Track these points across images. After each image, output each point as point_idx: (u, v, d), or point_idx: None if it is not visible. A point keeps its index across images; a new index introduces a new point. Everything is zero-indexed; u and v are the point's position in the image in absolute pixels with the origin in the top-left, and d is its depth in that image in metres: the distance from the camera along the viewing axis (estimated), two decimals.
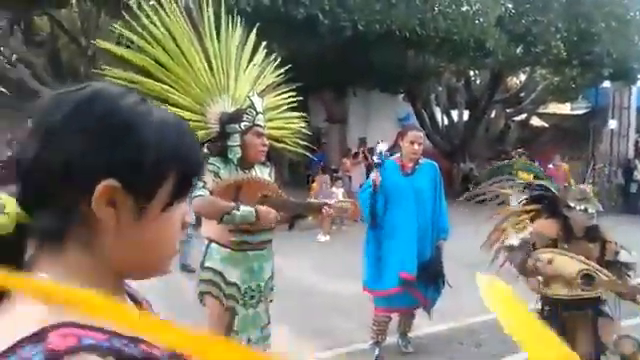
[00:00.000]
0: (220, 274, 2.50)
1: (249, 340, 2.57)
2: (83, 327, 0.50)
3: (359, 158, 11.24)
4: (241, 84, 2.90)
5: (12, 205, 0.57)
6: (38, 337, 0.48)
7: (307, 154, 3.12)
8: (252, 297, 2.58)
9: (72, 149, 0.54)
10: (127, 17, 2.63)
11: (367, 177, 5.09)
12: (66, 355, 0.47)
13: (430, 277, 3.45)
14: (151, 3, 2.70)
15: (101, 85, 0.59)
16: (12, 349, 0.47)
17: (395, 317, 3.70)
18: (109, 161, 0.55)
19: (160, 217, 0.59)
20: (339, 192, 8.33)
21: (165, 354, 0.56)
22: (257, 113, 2.61)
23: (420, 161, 3.52)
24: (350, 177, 10.70)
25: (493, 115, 14.80)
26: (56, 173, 0.54)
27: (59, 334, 0.48)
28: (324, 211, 2.68)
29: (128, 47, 2.78)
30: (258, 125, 2.59)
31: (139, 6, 2.60)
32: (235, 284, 2.52)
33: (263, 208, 2.45)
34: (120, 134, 0.56)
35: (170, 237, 0.62)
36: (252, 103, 2.70)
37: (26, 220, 0.57)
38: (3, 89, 9.76)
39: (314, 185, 9.33)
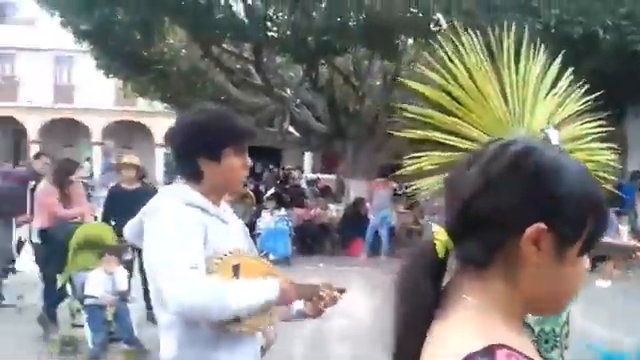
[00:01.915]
0: None
1: None
2: (519, 353, 0.58)
3: None
4: (538, 115, 2.75)
5: (442, 234, 0.68)
6: (486, 352, 0.56)
7: (614, 190, 2.74)
8: (546, 341, 2.37)
9: (509, 195, 0.63)
10: (426, 55, 2.77)
11: None
12: None
13: None
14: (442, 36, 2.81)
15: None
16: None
17: None
18: (541, 208, 0.62)
19: (575, 262, 0.65)
20: (624, 230, 7.23)
21: None
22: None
23: None
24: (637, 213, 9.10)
25: None
26: (491, 214, 0.63)
27: (504, 354, 0.56)
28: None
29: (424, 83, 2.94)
30: None
31: (439, 44, 2.72)
32: (529, 325, 2.35)
33: None
34: (550, 183, 0.63)
35: (576, 284, 0.67)
36: (546, 136, 2.51)
37: (451, 246, 0.68)
38: (292, 129, 11.63)
39: None
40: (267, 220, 8.51)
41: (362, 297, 4.87)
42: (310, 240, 8.98)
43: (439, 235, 0.68)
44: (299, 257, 8.40)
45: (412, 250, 0.73)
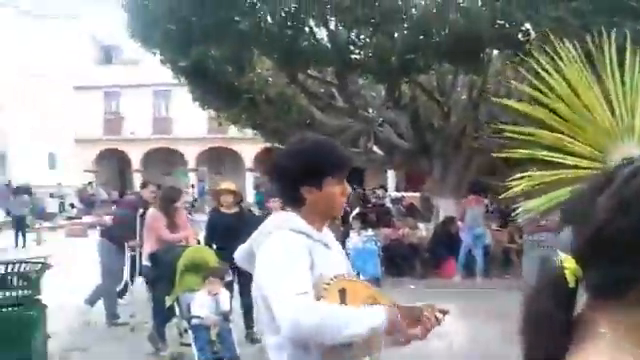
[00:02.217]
0: None
1: None
2: None
3: None
4: None
5: (570, 261, 0.64)
6: None
7: None
8: None
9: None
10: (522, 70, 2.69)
11: None
12: None
13: None
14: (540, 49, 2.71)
15: None
16: None
17: None
18: None
19: None
20: None
21: None
22: None
23: None
24: None
25: None
26: (626, 239, 0.60)
27: None
28: None
29: (520, 100, 2.85)
30: None
31: (530, 54, 2.64)
32: None
33: None
34: None
35: None
36: None
37: (580, 274, 0.63)
38: (376, 148, 11.65)
39: None
40: (355, 240, 8.54)
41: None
42: (399, 260, 8.84)
43: (567, 263, 0.65)
44: (388, 278, 8.30)
45: (539, 279, 0.72)
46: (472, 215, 8.54)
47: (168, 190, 5.34)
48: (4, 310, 4.35)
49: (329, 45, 6.73)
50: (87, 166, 25.56)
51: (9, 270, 4.26)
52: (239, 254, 1.73)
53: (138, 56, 27.50)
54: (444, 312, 1.71)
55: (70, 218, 19.26)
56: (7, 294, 4.35)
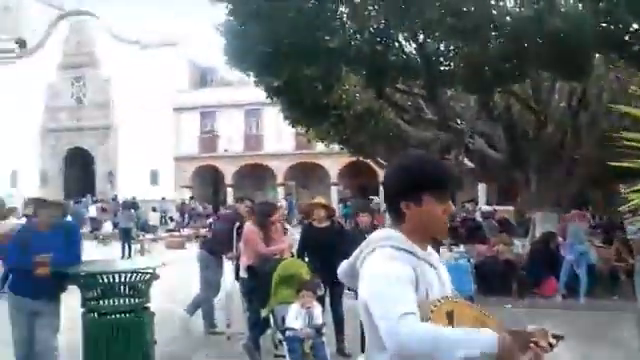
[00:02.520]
0: None
1: None
2: None
3: None
4: None
5: None
6: None
7: None
8: None
9: None
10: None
11: None
12: None
13: None
14: None
15: None
16: None
17: None
18: None
19: None
20: None
21: None
22: None
23: None
24: None
25: None
26: None
27: None
28: None
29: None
30: None
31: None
32: None
33: None
34: None
35: None
36: None
37: None
38: (468, 161, 11.29)
39: None
40: (446, 257, 8.26)
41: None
42: (494, 278, 8.42)
43: None
44: (482, 296, 7.93)
45: None
46: (575, 231, 7.95)
47: (263, 205, 5.56)
48: (117, 317, 4.73)
49: (418, 58, 6.68)
50: (185, 182, 27.29)
51: (122, 279, 4.64)
52: (342, 269, 1.76)
53: (232, 77, 29.09)
54: (558, 338, 1.60)
55: (170, 230, 20.60)
56: (120, 301, 4.73)
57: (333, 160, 24.03)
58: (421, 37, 6.45)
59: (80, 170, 28.29)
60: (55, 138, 28.96)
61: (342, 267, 1.75)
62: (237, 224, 5.93)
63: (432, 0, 5.77)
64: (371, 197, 24.36)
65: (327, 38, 5.88)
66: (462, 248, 8.46)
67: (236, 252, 5.98)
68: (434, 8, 5.50)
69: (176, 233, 19.44)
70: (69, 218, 5.77)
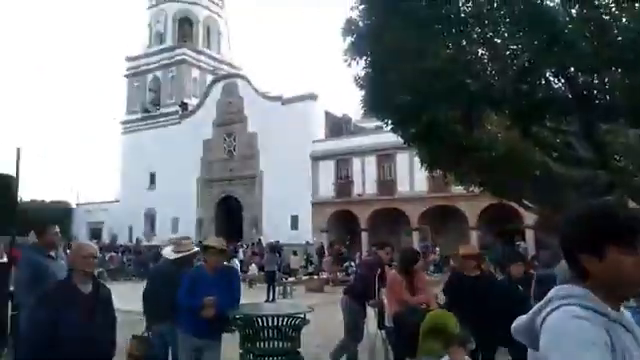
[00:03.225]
0: None
1: None
2: None
3: None
4: None
5: None
6: None
7: None
8: None
9: None
10: None
11: None
12: None
13: None
14: None
15: None
16: None
17: None
18: None
19: None
20: None
21: None
22: None
23: None
24: None
25: None
26: None
27: None
28: None
29: None
30: None
31: None
32: None
33: None
34: None
35: None
36: None
37: None
38: (633, 202, 10.02)
39: None
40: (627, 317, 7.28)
41: None
42: None
43: None
44: None
45: None
46: None
47: (407, 252, 5.51)
48: (272, 359, 4.97)
49: (568, 94, 6.22)
50: (322, 226, 28.25)
51: (277, 323, 4.90)
52: (518, 326, 1.65)
53: (365, 124, 29.92)
54: None
55: (309, 274, 21.30)
56: (274, 344, 4.98)
57: (471, 203, 23.02)
58: (571, 70, 6.03)
59: (230, 216, 30.92)
60: (209, 188, 32.24)
61: (518, 323, 1.65)
62: (378, 270, 5.95)
63: (581, 31, 5.41)
64: (517, 243, 22.65)
65: (467, 81, 5.80)
66: (632, 302, 7.39)
67: (378, 299, 5.98)
68: (586, 40, 5.14)
69: (315, 277, 20.02)
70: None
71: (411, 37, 5.73)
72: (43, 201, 37.17)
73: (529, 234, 23.08)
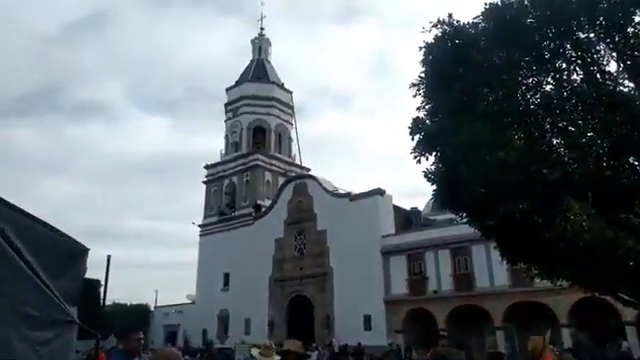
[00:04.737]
0: None
1: None
2: None
3: None
4: None
5: None
6: None
7: None
8: None
9: None
10: None
11: None
12: None
13: None
14: None
15: None
16: None
17: None
18: None
19: None
20: None
21: None
22: None
23: None
24: None
25: None
26: None
27: None
28: None
29: None
30: None
31: None
32: None
33: None
34: None
35: None
36: None
37: None
38: None
39: None
40: None
41: None
42: None
43: None
44: None
45: None
46: None
47: (493, 356, 5.15)
48: None
49: None
50: (397, 326, 26.94)
51: None
52: None
53: (436, 217, 29.46)
54: None
55: None
56: None
57: (560, 298, 21.27)
58: None
59: (301, 316, 30.42)
60: (281, 287, 32.27)
61: None
62: None
63: None
64: (619, 342, 20.25)
65: (544, 171, 5.71)
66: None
67: None
68: None
69: None
70: None
71: (481, 131, 5.83)
72: (125, 304, 38.60)
73: (630, 331, 20.69)
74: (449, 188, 7.08)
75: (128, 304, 39.39)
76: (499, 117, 5.78)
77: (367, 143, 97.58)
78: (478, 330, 24.72)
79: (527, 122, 5.81)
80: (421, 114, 7.32)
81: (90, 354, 8.23)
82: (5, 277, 5.18)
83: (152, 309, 40.73)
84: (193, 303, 37.36)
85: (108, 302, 32.16)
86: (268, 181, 38.34)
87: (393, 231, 29.35)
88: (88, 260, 6.49)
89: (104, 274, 7.04)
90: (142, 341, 5.68)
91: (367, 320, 27.73)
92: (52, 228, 6.02)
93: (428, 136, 7.18)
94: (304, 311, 30.46)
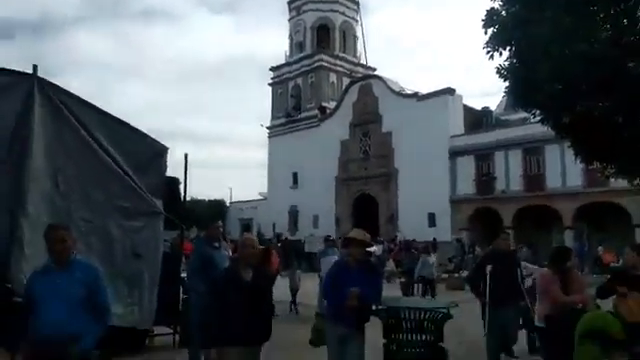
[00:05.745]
0: None
1: None
2: None
3: None
4: None
5: None
6: None
7: None
8: None
9: None
10: None
11: None
12: None
13: None
14: None
15: None
16: None
17: None
18: None
19: None
20: None
21: None
22: None
23: None
24: None
25: None
26: None
27: None
28: None
29: None
30: None
31: None
32: None
33: None
34: None
35: None
36: None
37: None
38: None
39: None
40: None
41: None
42: None
43: None
44: None
45: None
46: None
47: (559, 249, 5.19)
48: (414, 350, 5.10)
49: None
50: (462, 224, 27.28)
51: (420, 316, 5.02)
52: None
53: (508, 116, 28.19)
54: None
55: (449, 272, 20.79)
56: (416, 337, 5.10)
57: (636, 198, 20.36)
58: None
59: (366, 214, 31.45)
60: (346, 186, 33.15)
61: None
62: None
63: None
64: None
65: (630, 65, 5.22)
66: None
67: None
68: None
69: (455, 275, 19.49)
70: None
71: (562, 21, 5.35)
72: (203, 200, 41.52)
73: None
74: (523, 85, 6.71)
75: (206, 200, 42.31)
76: (583, 5, 5.23)
77: (438, 42, 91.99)
78: (547, 229, 24.53)
79: (616, 10, 5.22)
80: (496, 4, 6.79)
81: (174, 242, 9.17)
82: (99, 175, 5.79)
83: (228, 205, 43.62)
84: (265, 199, 39.49)
85: (188, 199, 34.69)
86: (333, 82, 37.78)
87: (462, 131, 28.59)
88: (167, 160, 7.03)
89: (182, 173, 7.63)
90: (221, 229, 6.31)
91: (431, 218, 28.21)
92: (135, 129, 6.53)
93: (503, 29, 6.70)
94: (369, 209, 31.39)
